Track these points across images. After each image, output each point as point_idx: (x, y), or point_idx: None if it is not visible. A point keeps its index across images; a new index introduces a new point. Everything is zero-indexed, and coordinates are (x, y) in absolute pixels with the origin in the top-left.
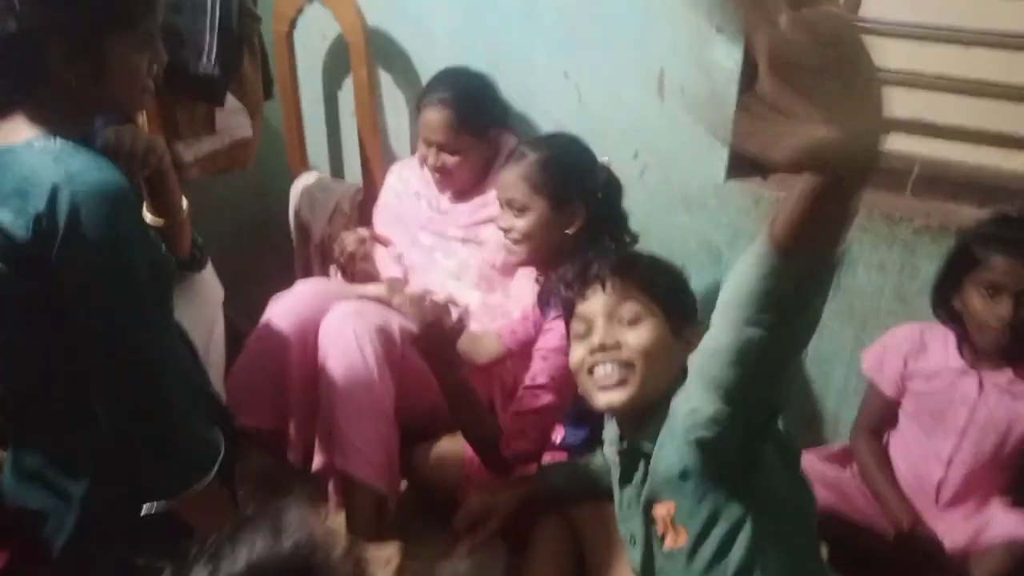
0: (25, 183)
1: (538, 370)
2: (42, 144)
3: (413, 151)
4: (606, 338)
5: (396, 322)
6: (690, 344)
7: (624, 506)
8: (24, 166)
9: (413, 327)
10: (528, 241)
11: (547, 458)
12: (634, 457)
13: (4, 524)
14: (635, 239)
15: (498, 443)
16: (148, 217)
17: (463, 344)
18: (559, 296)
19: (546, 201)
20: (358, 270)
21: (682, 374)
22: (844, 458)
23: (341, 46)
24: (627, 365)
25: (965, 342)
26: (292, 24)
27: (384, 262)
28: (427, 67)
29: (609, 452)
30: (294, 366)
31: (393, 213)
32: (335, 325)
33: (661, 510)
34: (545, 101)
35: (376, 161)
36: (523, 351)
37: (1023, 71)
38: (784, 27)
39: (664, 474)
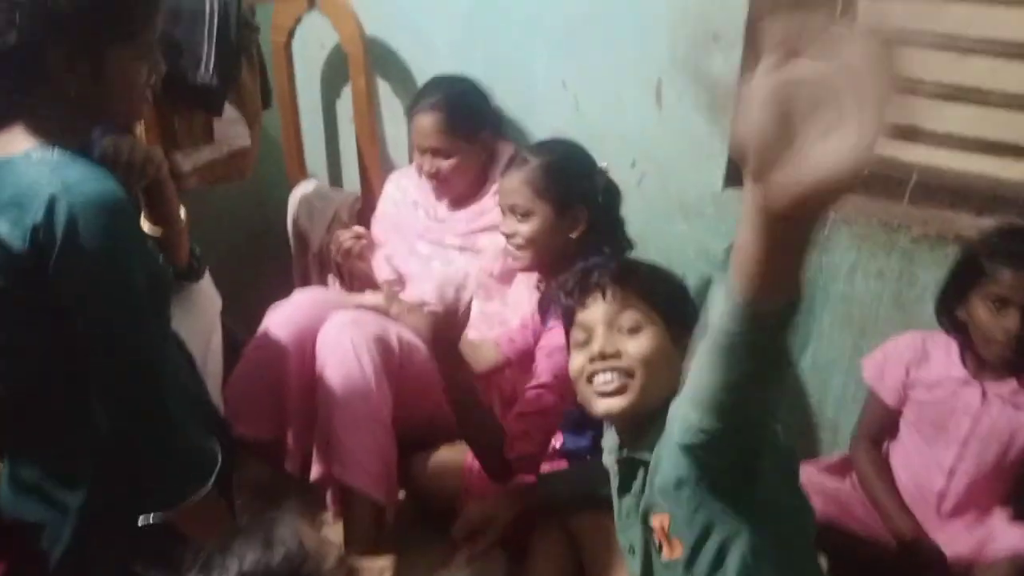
0: (22, 194)
1: (542, 369)
2: (39, 155)
3: (411, 160)
4: (606, 346)
5: (394, 331)
6: (688, 353)
7: (623, 515)
8: (21, 177)
9: (412, 336)
10: (532, 246)
11: (546, 466)
12: (633, 466)
13: (1, 536)
14: (632, 246)
15: (501, 448)
16: (146, 227)
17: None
18: (559, 304)
19: (549, 205)
20: (354, 268)
21: (681, 382)
22: (843, 469)
23: (340, 55)
24: (627, 373)
25: (968, 352)
26: (290, 34)
27: (379, 263)
28: (425, 76)
29: (608, 460)
30: (292, 375)
31: (391, 222)
32: (333, 334)
33: (657, 521)
34: (543, 110)
35: (374, 170)
36: (522, 360)
37: (1018, 80)
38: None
39: (660, 484)
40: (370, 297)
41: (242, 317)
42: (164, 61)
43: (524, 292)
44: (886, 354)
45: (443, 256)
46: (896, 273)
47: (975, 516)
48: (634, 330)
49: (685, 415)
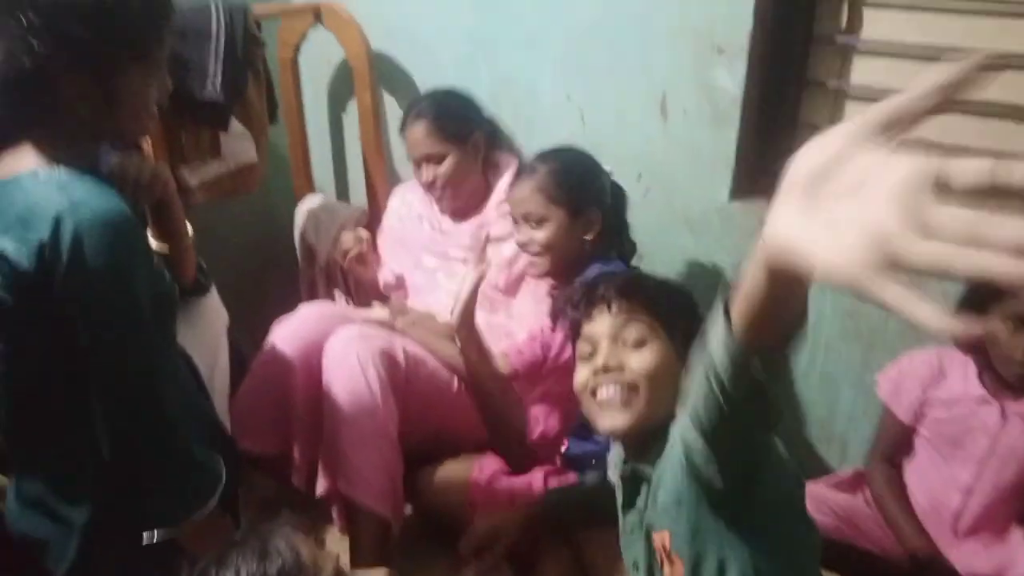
0: (29, 212)
1: (566, 349)
2: (47, 173)
3: None
4: (610, 359)
5: (400, 345)
6: None
7: (627, 531)
8: (28, 195)
9: (418, 349)
10: (549, 252)
11: (553, 480)
12: (636, 481)
13: (7, 552)
14: (635, 248)
15: (524, 436)
16: (153, 243)
17: None
18: (565, 316)
19: (563, 209)
20: (355, 271)
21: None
22: (855, 484)
23: (346, 71)
24: (631, 388)
25: (987, 369)
26: (297, 49)
27: (382, 270)
28: None
29: (613, 476)
30: (298, 390)
31: (396, 235)
32: (339, 349)
33: (658, 538)
34: (548, 124)
35: (381, 184)
36: (530, 372)
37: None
38: None
39: (662, 501)
40: (376, 311)
41: (250, 331)
42: (171, 78)
43: (530, 304)
44: (901, 371)
45: (448, 269)
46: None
47: (991, 536)
48: (639, 344)
49: (684, 435)
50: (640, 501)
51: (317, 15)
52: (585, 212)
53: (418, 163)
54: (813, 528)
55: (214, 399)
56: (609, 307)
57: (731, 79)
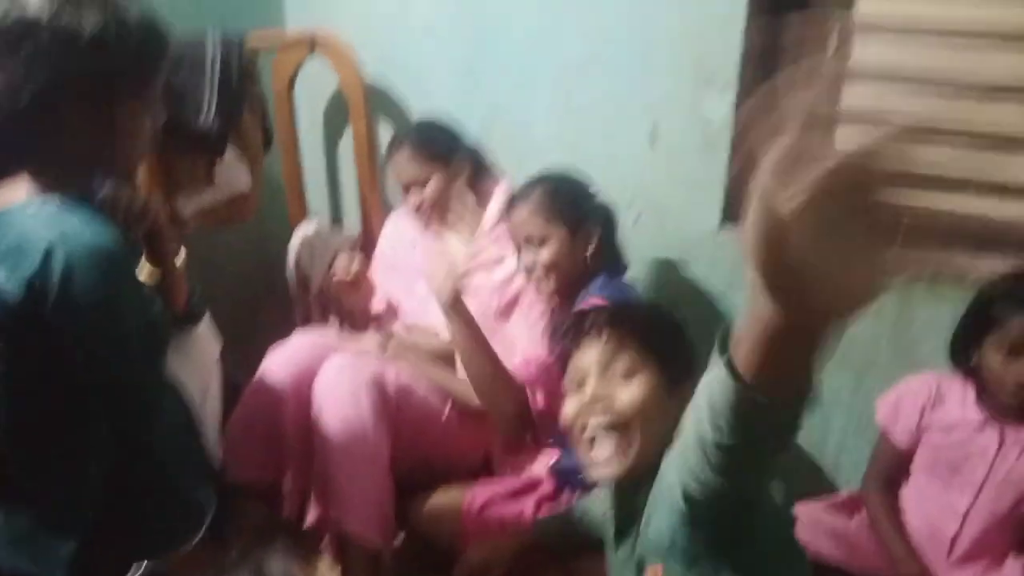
0: (20, 243)
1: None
2: (39, 204)
3: None
4: (598, 392)
5: (391, 373)
6: (684, 402)
7: (619, 564)
8: (20, 226)
9: (409, 377)
10: (555, 270)
11: (544, 510)
12: (627, 519)
13: None
14: (626, 267)
15: (521, 409)
16: (144, 272)
17: (461, 389)
18: (556, 345)
19: (563, 227)
20: (346, 296)
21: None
22: (850, 507)
23: (340, 100)
24: (621, 428)
25: (985, 395)
26: (292, 79)
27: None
28: None
29: (602, 508)
30: (289, 419)
31: (389, 261)
32: (330, 377)
33: (651, 572)
34: (540, 152)
35: (375, 211)
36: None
37: (1010, 119)
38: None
39: (654, 537)
40: (368, 340)
41: (244, 359)
42: (166, 108)
43: (523, 328)
44: (900, 395)
45: None
46: (894, 314)
47: (987, 563)
48: (628, 375)
49: (684, 482)
50: (631, 534)
51: (312, 46)
52: (584, 227)
53: (405, 188)
54: (805, 560)
55: (205, 427)
56: (598, 335)
57: (721, 109)
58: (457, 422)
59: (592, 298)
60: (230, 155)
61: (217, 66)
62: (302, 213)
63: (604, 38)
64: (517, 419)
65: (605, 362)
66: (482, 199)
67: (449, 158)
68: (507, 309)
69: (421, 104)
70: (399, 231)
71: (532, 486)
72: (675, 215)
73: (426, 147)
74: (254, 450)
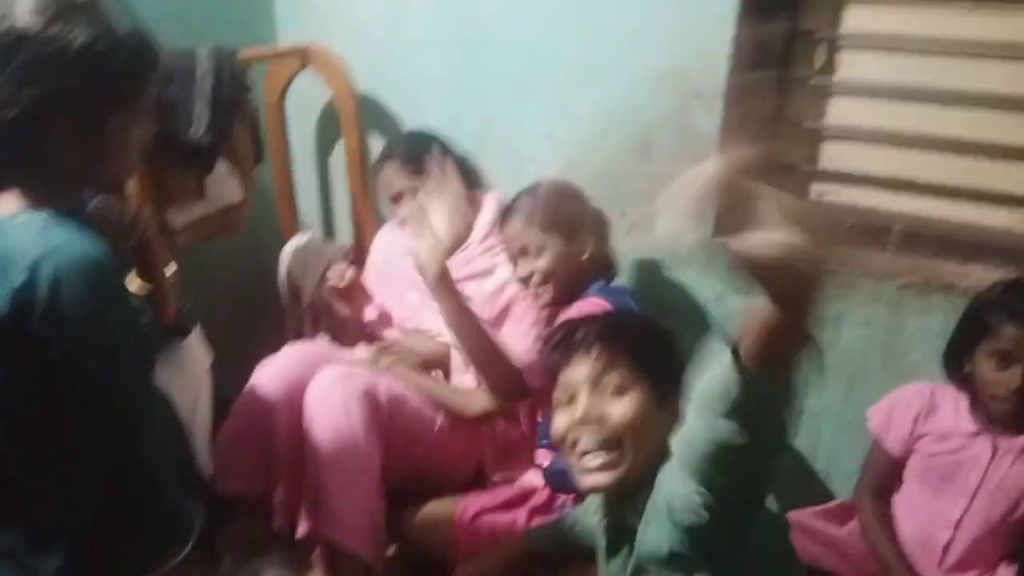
0: (7, 256)
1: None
2: (26, 217)
3: None
4: (590, 411)
5: (383, 384)
6: (675, 416)
7: None
8: (7, 240)
9: (401, 388)
10: (553, 278)
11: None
12: (620, 531)
13: None
14: (616, 273)
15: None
16: (134, 285)
17: (453, 400)
18: (544, 359)
19: (558, 235)
20: (338, 306)
21: (668, 446)
22: (841, 515)
23: (332, 112)
24: (613, 444)
25: (978, 404)
26: (284, 92)
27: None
28: None
29: (594, 521)
30: (280, 431)
31: (382, 271)
32: (321, 389)
33: None
34: (532, 164)
35: (367, 223)
36: (517, 407)
37: (997, 130)
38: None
39: (649, 553)
40: (359, 352)
41: (236, 371)
42: (157, 120)
43: (515, 337)
44: (893, 404)
45: (432, 304)
46: (884, 322)
47: (979, 571)
48: (619, 392)
49: (683, 492)
50: (625, 549)
51: (304, 59)
52: (579, 233)
53: (393, 201)
54: (800, 569)
55: (195, 440)
56: (588, 352)
57: (709, 121)
58: (449, 432)
59: (593, 298)
60: (221, 167)
61: (208, 79)
62: (294, 225)
63: (595, 51)
64: (513, 390)
65: (596, 378)
66: (474, 208)
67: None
68: (499, 319)
69: (414, 116)
70: (391, 242)
71: (525, 496)
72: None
73: (414, 158)
74: (245, 462)
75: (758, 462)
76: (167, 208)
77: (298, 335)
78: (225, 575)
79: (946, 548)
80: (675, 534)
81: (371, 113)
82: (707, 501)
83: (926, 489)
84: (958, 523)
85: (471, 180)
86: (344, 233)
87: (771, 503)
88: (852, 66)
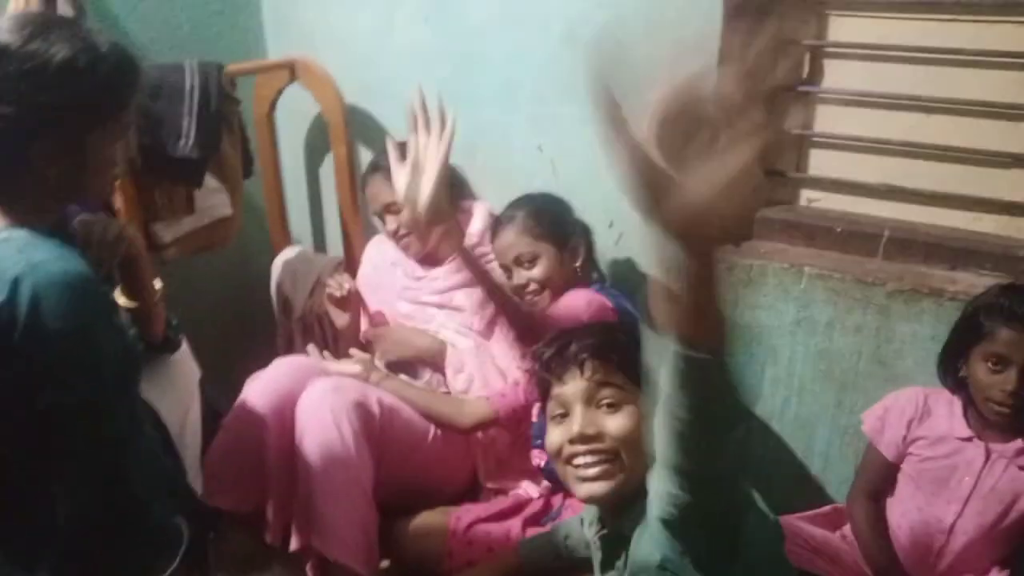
0: None
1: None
2: (7, 235)
3: None
4: (586, 427)
5: (375, 396)
6: None
7: None
8: None
9: (393, 400)
10: (548, 285)
11: (532, 530)
12: (615, 543)
13: None
14: (604, 279)
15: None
16: (121, 300)
17: (445, 411)
18: (535, 375)
19: (550, 244)
20: (333, 315)
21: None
22: (833, 520)
23: (321, 125)
24: (610, 455)
25: (972, 409)
26: (273, 105)
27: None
28: None
29: (589, 533)
30: (271, 445)
31: (371, 282)
32: (312, 402)
33: None
34: (521, 174)
35: (357, 235)
36: (512, 419)
37: (984, 136)
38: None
39: (642, 562)
40: (349, 365)
41: (227, 386)
42: (145, 135)
43: (503, 346)
44: (887, 408)
45: (423, 314)
46: (874, 328)
47: None
48: (613, 407)
49: (658, 487)
50: (620, 560)
51: (292, 72)
52: (570, 241)
53: (382, 215)
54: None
55: (185, 455)
56: (581, 370)
57: None
58: (443, 442)
59: (582, 290)
60: (210, 181)
61: (196, 93)
62: (284, 238)
63: (581, 59)
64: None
65: (590, 395)
66: (464, 217)
67: None
68: (489, 327)
69: (402, 127)
70: (381, 252)
71: (519, 506)
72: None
73: None
74: (236, 476)
75: (709, 439)
76: (156, 222)
77: (290, 349)
78: None
79: (939, 553)
80: (661, 536)
81: (360, 125)
82: (677, 490)
83: (919, 494)
84: (951, 528)
85: (460, 190)
86: (335, 245)
87: (766, 510)
88: (838, 74)
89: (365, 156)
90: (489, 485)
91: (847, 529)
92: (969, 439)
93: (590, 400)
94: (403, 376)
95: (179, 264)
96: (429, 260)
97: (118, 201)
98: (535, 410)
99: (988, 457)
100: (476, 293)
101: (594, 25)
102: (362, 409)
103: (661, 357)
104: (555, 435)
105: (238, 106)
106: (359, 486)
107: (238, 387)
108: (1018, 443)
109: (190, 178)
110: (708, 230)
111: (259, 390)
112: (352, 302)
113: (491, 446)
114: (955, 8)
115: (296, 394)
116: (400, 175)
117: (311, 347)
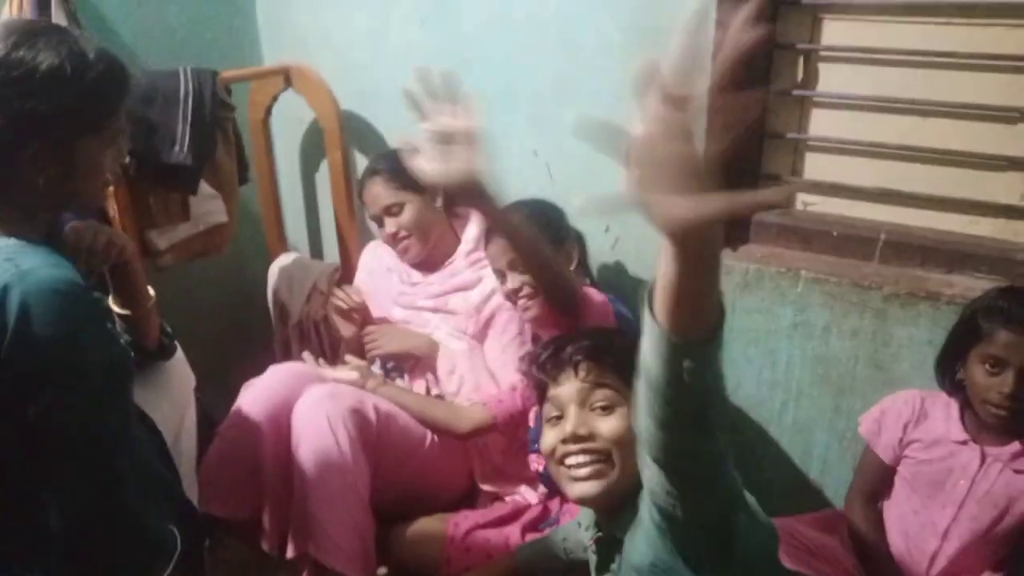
0: None
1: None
2: None
3: None
4: (579, 427)
5: (371, 403)
6: None
7: None
8: None
9: (389, 406)
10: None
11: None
12: (610, 546)
13: None
14: (596, 283)
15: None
16: (114, 307)
17: (441, 416)
18: (531, 377)
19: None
20: (336, 324)
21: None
22: (831, 523)
23: (316, 131)
24: (602, 456)
25: (968, 412)
26: (268, 111)
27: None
28: None
29: (585, 537)
30: (267, 452)
31: (367, 288)
32: (308, 409)
33: None
34: (516, 178)
35: (353, 241)
36: (509, 424)
37: (979, 140)
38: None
39: (636, 564)
40: (345, 372)
41: (224, 393)
42: (139, 141)
43: (496, 350)
44: (884, 411)
45: (418, 319)
46: (870, 332)
47: None
48: (607, 408)
49: (646, 482)
50: (615, 566)
51: (287, 78)
52: (564, 245)
53: (379, 219)
54: None
55: (180, 463)
56: (576, 372)
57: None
58: (439, 450)
59: (594, 293)
60: (205, 188)
61: (191, 99)
62: (281, 244)
63: (580, 64)
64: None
65: (584, 396)
66: (460, 222)
67: (422, 184)
68: (483, 331)
69: (397, 132)
70: (377, 258)
71: (517, 512)
72: (652, 238)
73: (399, 174)
74: (232, 483)
75: (684, 427)
76: (151, 229)
77: (286, 355)
78: None
79: (933, 556)
80: (654, 536)
81: (355, 131)
82: (664, 482)
83: (915, 497)
84: (945, 532)
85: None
86: (331, 251)
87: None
88: (833, 78)
89: (360, 161)
90: (486, 488)
91: (843, 532)
92: (964, 442)
93: (584, 401)
94: (400, 382)
95: (175, 271)
96: (424, 265)
97: (113, 208)
98: (532, 415)
99: (983, 461)
100: (472, 295)
101: (590, 28)
102: (358, 415)
103: (653, 344)
104: (550, 437)
105: (233, 112)
106: (355, 493)
107: (234, 394)
108: (1014, 446)
109: (185, 185)
110: (696, 229)
111: (255, 397)
112: (360, 315)
113: (486, 451)
114: (949, 11)
115: (292, 401)
116: (430, 155)
117: (307, 354)
